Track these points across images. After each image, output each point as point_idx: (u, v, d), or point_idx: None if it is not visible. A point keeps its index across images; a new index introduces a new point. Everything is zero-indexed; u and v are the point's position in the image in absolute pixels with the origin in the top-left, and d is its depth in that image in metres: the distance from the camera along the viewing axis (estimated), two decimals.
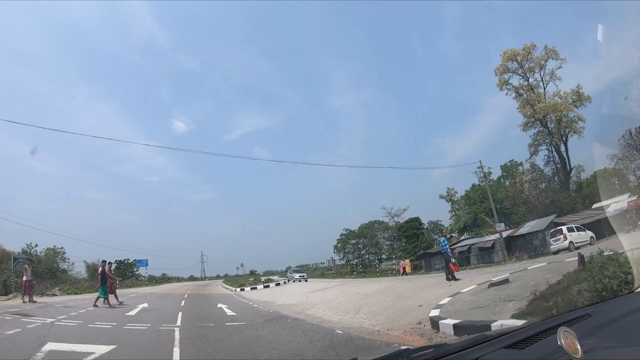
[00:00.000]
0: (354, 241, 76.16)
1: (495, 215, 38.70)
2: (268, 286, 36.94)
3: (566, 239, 27.33)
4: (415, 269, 46.54)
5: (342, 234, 77.22)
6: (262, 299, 21.61)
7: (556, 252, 27.96)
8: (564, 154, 52.54)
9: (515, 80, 52.29)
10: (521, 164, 51.02)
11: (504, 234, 37.84)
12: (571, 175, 52.79)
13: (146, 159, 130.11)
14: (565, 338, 1.63)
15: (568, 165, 52.40)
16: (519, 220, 46.91)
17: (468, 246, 43.50)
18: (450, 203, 65.38)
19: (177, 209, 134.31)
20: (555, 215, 39.11)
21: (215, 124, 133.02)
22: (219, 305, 17.91)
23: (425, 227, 65.71)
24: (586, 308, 2.90)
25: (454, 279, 15.52)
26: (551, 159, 54.19)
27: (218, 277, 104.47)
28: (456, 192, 64.39)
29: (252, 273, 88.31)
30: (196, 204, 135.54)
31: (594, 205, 44.17)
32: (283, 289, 31.36)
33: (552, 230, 29.16)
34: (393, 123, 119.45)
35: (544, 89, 51.80)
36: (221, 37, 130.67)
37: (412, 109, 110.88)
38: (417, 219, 64.86)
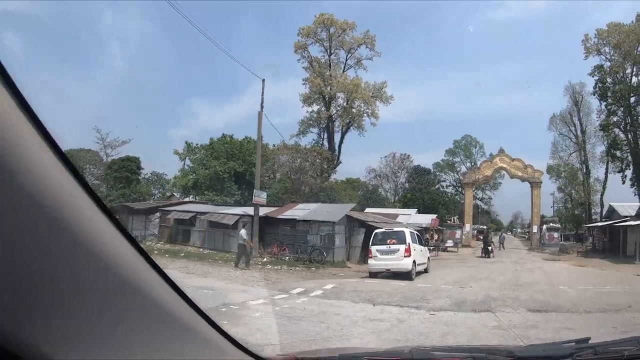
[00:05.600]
0: None
1: (258, 177, 23.48)
2: None
3: (409, 254, 14.19)
4: None
5: None
6: None
7: (376, 274, 14.69)
8: (337, 145, 45.59)
9: (315, 51, 45.26)
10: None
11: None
12: (336, 170, 44.94)
13: None
14: None
15: (337, 159, 44.71)
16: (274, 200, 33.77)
17: (194, 214, 26.59)
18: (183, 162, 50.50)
19: None
20: (357, 202, 27.15)
21: None
22: None
23: (144, 175, 48.56)
24: None
25: None
26: (320, 145, 45.25)
27: None
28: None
29: None
30: None
31: (369, 210, 36.30)
32: None
33: (378, 231, 15.69)
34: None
35: (344, 70, 45.68)
36: None
37: None
38: (136, 160, 47.60)
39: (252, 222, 21.51)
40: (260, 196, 22.44)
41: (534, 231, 36.23)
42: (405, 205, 46.43)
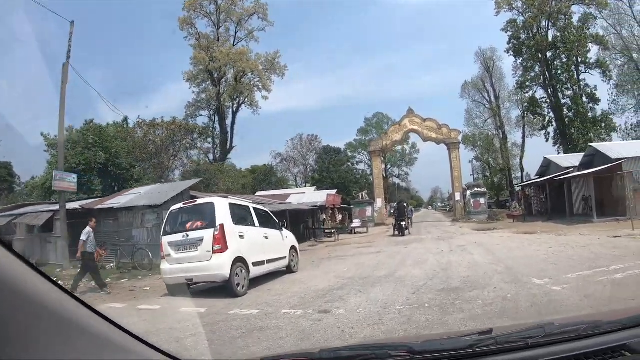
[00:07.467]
0: None
1: (61, 153, 15.17)
2: None
3: (224, 246, 6.69)
4: None
5: None
6: None
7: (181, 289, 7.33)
8: (229, 128, 41.27)
9: (204, 27, 41.15)
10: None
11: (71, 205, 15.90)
12: (229, 156, 40.59)
13: None
14: None
15: (229, 143, 40.57)
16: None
17: (13, 217, 18.66)
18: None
19: None
20: (199, 179, 20.23)
21: None
22: None
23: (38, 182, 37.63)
24: None
25: None
26: (212, 129, 41.00)
27: None
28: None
29: None
30: None
31: (260, 193, 28.87)
32: None
33: (173, 209, 8.03)
34: None
35: (234, 44, 41.44)
36: None
37: None
38: (6, 166, 36.89)
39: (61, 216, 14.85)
40: (66, 179, 15.08)
41: (457, 199, 31.08)
42: (314, 186, 40.92)
